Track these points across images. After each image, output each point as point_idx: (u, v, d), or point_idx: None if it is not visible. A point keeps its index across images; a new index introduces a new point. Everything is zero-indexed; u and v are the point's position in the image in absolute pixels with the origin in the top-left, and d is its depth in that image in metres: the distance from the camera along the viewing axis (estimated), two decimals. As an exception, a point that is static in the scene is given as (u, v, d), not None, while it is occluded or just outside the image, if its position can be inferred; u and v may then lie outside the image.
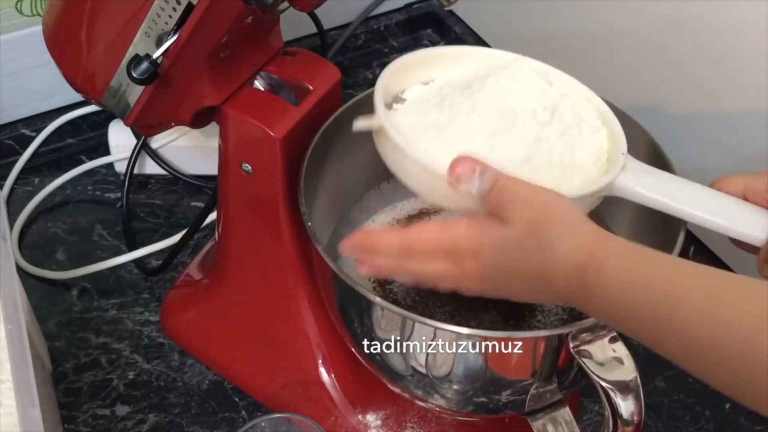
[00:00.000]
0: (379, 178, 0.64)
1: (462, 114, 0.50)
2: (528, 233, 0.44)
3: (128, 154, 0.80)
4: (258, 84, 0.59)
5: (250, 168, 0.58)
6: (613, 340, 0.48)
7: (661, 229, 0.55)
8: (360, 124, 0.51)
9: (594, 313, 0.44)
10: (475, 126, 0.50)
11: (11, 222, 0.79)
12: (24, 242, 0.79)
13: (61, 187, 0.84)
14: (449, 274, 0.47)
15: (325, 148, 0.59)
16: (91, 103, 0.63)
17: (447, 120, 0.51)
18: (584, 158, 0.51)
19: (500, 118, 0.50)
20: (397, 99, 0.55)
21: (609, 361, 0.47)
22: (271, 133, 0.55)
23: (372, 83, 0.54)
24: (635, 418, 0.47)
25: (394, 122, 0.51)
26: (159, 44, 0.51)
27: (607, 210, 0.58)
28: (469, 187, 0.46)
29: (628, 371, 0.47)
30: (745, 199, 0.49)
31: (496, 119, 0.50)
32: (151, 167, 0.82)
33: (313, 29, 0.79)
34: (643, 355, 0.72)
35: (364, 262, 0.49)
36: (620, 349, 0.48)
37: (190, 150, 0.82)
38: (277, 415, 0.55)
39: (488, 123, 0.50)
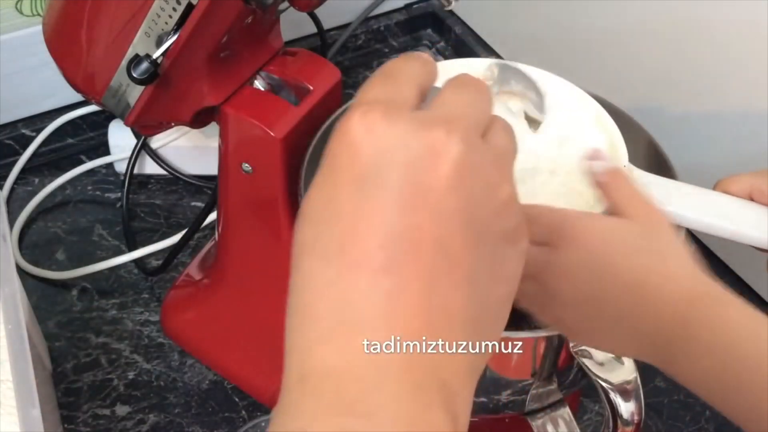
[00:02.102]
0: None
1: None
2: (643, 230, 0.39)
3: (128, 154, 0.80)
4: (258, 84, 0.59)
5: (250, 168, 0.58)
6: (613, 340, 0.48)
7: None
8: None
9: (685, 360, 0.38)
10: None
11: (11, 222, 0.79)
12: (24, 242, 0.79)
13: (61, 187, 0.84)
14: (536, 260, 0.40)
15: (325, 148, 0.59)
16: (91, 103, 0.63)
17: None
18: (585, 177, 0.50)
19: None
20: None
21: (609, 361, 0.47)
22: (271, 133, 0.55)
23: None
24: (635, 418, 0.47)
25: None
26: (159, 44, 0.51)
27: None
28: (598, 164, 0.43)
29: (628, 371, 0.47)
30: (751, 199, 0.48)
31: None
32: (151, 167, 0.82)
33: (313, 29, 0.79)
34: (643, 355, 0.72)
35: None
36: (620, 349, 0.48)
37: (190, 150, 0.82)
38: (277, 415, 0.55)
39: None
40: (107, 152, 0.84)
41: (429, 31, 1.03)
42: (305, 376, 0.29)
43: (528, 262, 0.39)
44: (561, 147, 0.51)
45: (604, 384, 0.46)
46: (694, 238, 0.73)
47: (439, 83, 0.53)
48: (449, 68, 0.56)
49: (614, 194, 0.42)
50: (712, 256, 0.72)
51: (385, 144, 0.28)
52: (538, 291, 0.41)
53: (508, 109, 0.53)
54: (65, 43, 0.56)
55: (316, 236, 0.30)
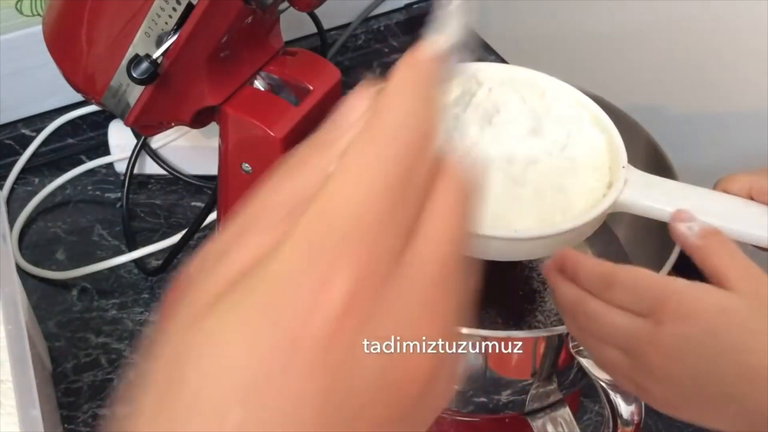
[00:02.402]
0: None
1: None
2: (756, 309, 0.37)
3: (128, 154, 0.80)
4: (258, 84, 0.59)
5: (250, 168, 0.58)
6: (613, 340, 0.48)
7: (661, 229, 0.55)
8: None
9: None
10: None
11: (11, 222, 0.79)
12: (24, 242, 0.79)
13: (61, 187, 0.84)
14: (635, 333, 0.38)
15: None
16: (91, 103, 0.63)
17: None
18: (585, 177, 0.51)
19: (489, 147, 0.50)
20: None
21: (609, 361, 0.47)
22: (271, 133, 0.55)
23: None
24: (635, 418, 0.47)
25: None
26: (159, 44, 0.51)
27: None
28: (690, 225, 0.42)
29: (628, 371, 0.47)
30: (751, 198, 0.48)
31: (485, 152, 0.50)
32: (151, 167, 0.82)
33: (313, 29, 0.79)
34: (643, 355, 0.72)
35: (552, 287, 0.44)
36: (620, 349, 0.48)
37: (190, 150, 0.82)
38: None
39: (479, 157, 0.50)
40: (107, 152, 0.84)
41: (429, 31, 1.03)
42: None
43: (624, 333, 0.38)
44: (561, 149, 0.51)
45: (604, 384, 0.46)
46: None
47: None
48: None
49: (714, 260, 0.40)
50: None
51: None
52: (630, 364, 0.40)
53: (519, 76, 0.53)
54: (65, 43, 0.56)
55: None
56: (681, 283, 0.39)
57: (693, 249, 0.41)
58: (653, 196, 0.49)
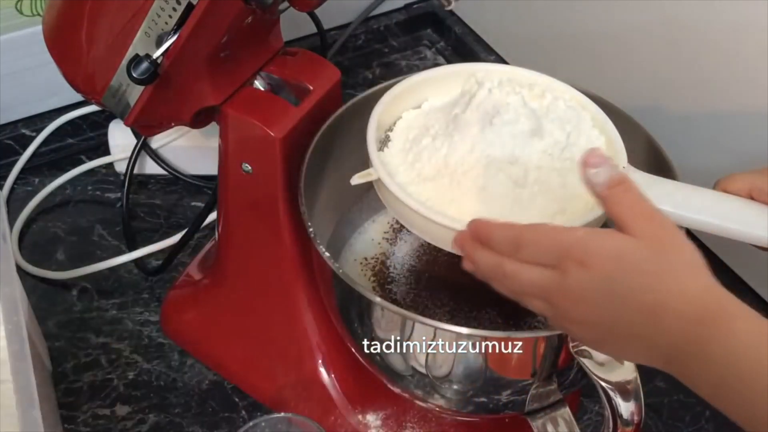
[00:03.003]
0: (379, 178, 0.64)
1: (454, 152, 0.50)
2: (652, 251, 0.39)
3: (128, 154, 0.80)
4: (258, 84, 0.59)
5: (250, 168, 0.58)
6: (613, 340, 0.48)
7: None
8: (357, 180, 0.51)
9: (697, 374, 0.38)
10: (469, 161, 0.50)
11: (11, 222, 0.79)
12: (24, 242, 0.79)
13: (61, 187, 0.84)
14: (546, 284, 0.41)
15: (325, 148, 0.59)
16: (91, 103, 0.63)
17: (441, 161, 0.51)
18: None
19: (489, 148, 0.50)
20: (391, 128, 0.55)
21: (609, 361, 0.47)
22: (271, 133, 0.55)
23: (372, 83, 0.54)
24: (635, 418, 0.47)
25: (389, 168, 0.51)
26: (159, 44, 0.51)
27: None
28: (596, 173, 0.42)
29: (628, 371, 0.47)
30: (751, 198, 0.48)
31: (486, 153, 0.50)
32: (151, 167, 0.82)
33: (313, 29, 0.79)
34: (643, 355, 0.72)
35: (469, 256, 0.46)
36: (620, 349, 0.48)
37: (190, 150, 0.82)
38: (277, 415, 0.55)
39: (480, 158, 0.50)
40: (107, 152, 0.84)
41: (429, 31, 1.03)
42: None
43: (539, 286, 0.41)
44: (561, 150, 0.51)
45: (604, 384, 0.46)
46: (694, 238, 0.73)
47: (456, 87, 0.55)
48: (463, 71, 0.56)
49: (616, 208, 0.41)
50: (712, 256, 0.72)
51: None
52: (550, 310, 0.43)
53: (520, 79, 0.53)
54: (65, 43, 0.56)
55: None
56: (582, 231, 0.42)
57: (599, 197, 0.42)
58: (653, 196, 0.48)
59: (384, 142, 0.54)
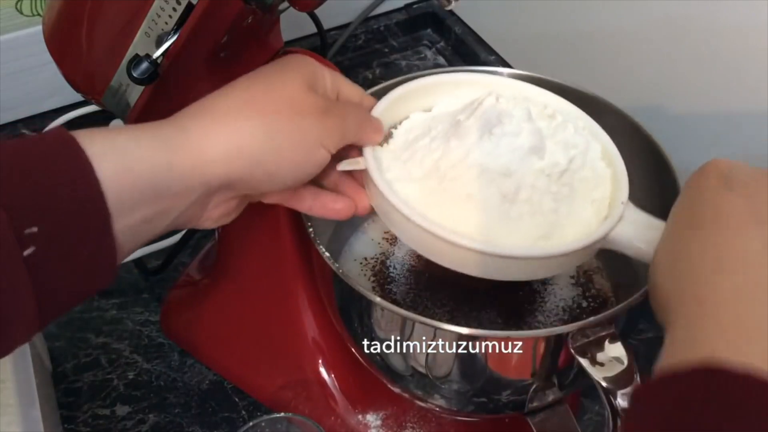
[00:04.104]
0: (379, 178, 0.64)
1: (448, 156, 0.49)
2: None
3: (128, 154, 0.80)
4: (258, 84, 0.59)
5: (250, 168, 0.58)
6: (613, 340, 0.48)
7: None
8: (344, 166, 0.50)
9: None
10: (461, 168, 0.48)
11: (11, 222, 0.78)
12: (24, 242, 0.79)
13: (61, 187, 0.84)
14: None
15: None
16: (91, 103, 0.63)
17: (433, 164, 0.49)
18: (581, 206, 0.49)
19: (484, 157, 0.48)
20: (396, 126, 0.54)
21: (609, 361, 0.47)
22: (271, 133, 0.55)
23: (372, 83, 0.54)
24: (635, 418, 0.47)
25: (381, 163, 0.50)
26: (159, 44, 0.51)
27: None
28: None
29: (628, 371, 0.47)
30: None
31: (480, 161, 0.48)
32: (151, 167, 0.82)
33: (313, 29, 0.79)
34: (643, 355, 0.72)
35: None
36: (620, 349, 0.48)
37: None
38: (277, 415, 0.55)
39: (473, 165, 0.48)
40: (107, 152, 0.84)
41: (429, 31, 1.03)
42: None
43: None
44: (560, 174, 0.49)
45: (604, 384, 0.46)
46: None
47: (467, 95, 0.54)
48: (475, 82, 0.55)
49: None
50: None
51: None
52: None
53: (529, 114, 0.51)
54: (65, 43, 0.56)
55: None
56: None
57: None
58: (647, 239, 0.46)
59: (386, 138, 0.53)
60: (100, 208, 0.38)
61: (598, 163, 0.51)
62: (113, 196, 0.38)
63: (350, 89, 0.51)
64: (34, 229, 0.36)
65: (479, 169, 0.48)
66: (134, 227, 0.40)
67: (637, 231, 0.47)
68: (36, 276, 0.36)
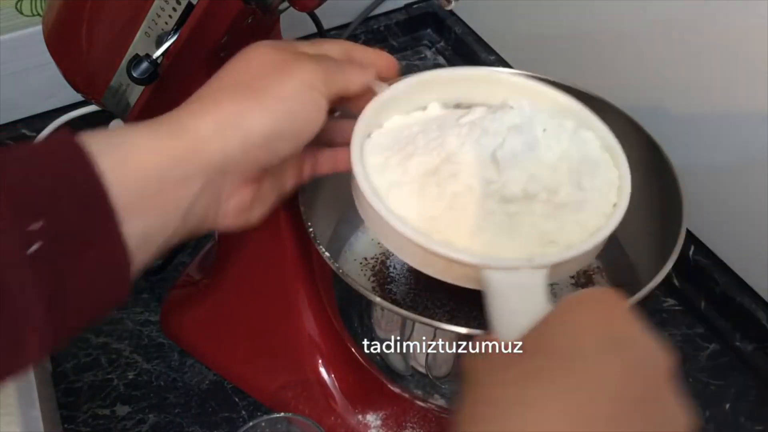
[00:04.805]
0: (379, 178, 0.64)
1: (440, 170, 0.47)
2: None
3: (128, 154, 0.80)
4: (258, 84, 0.58)
5: (250, 168, 0.58)
6: (613, 340, 0.48)
7: (661, 229, 0.55)
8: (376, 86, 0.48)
9: None
10: (457, 176, 0.46)
11: (11, 222, 0.78)
12: (24, 242, 0.79)
13: (61, 187, 0.84)
14: None
15: (325, 148, 0.58)
16: (91, 103, 0.63)
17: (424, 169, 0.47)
18: (590, 213, 0.46)
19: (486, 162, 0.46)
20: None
21: (609, 361, 0.47)
22: (271, 133, 0.55)
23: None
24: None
25: (368, 166, 0.48)
26: (159, 44, 0.51)
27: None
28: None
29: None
30: None
31: (479, 166, 0.46)
32: (151, 167, 0.82)
33: (313, 29, 0.79)
34: (643, 355, 0.72)
35: None
36: (620, 349, 0.47)
37: (190, 150, 0.82)
38: (277, 415, 0.55)
39: (473, 172, 0.46)
40: (107, 152, 0.84)
41: (429, 31, 1.03)
42: None
43: None
44: (569, 174, 0.47)
45: (604, 384, 0.46)
46: (694, 239, 0.73)
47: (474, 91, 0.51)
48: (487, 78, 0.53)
49: None
50: (712, 256, 0.72)
51: None
52: None
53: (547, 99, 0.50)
54: (65, 43, 0.56)
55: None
56: None
57: None
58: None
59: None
60: (103, 201, 0.37)
61: (608, 168, 0.49)
62: (116, 189, 0.38)
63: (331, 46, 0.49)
64: (39, 225, 0.35)
65: (475, 173, 0.46)
66: (144, 229, 0.39)
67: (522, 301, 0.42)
68: (42, 274, 0.35)
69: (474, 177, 0.46)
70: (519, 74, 0.55)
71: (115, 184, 0.38)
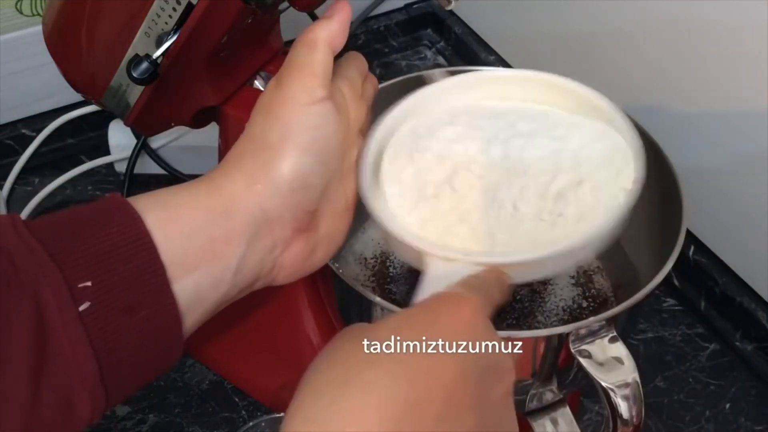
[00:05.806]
0: (379, 178, 0.64)
1: (448, 163, 0.48)
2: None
3: (128, 154, 0.80)
4: (258, 84, 0.59)
5: (250, 168, 0.58)
6: (613, 340, 0.48)
7: (661, 229, 0.55)
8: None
9: None
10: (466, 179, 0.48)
11: (11, 222, 0.78)
12: (24, 242, 0.79)
13: (61, 187, 0.84)
14: None
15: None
16: (91, 103, 0.63)
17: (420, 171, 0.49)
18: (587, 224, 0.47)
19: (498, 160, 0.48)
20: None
21: (609, 361, 0.47)
22: (271, 133, 0.55)
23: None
24: (635, 418, 0.47)
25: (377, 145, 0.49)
26: (159, 44, 0.51)
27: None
28: None
29: (628, 371, 0.47)
30: None
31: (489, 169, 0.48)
32: (151, 167, 0.82)
33: (313, 29, 0.79)
34: (643, 355, 0.72)
35: None
36: (620, 349, 0.48)
37: (190, 150, 0.82)
38: (277, 415, 0.55)
39: (478, 160, 0.48)
40: (107, 152, 0.84)
41: (429, 31, 1.03)
42: None
43: None
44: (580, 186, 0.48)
45: (604, 384, 0.46)
46: (694, 239, 0.73)
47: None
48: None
49: None
50: (712, 255, 0.72)
51: None
52: None
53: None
54: (65, 43, 0.56)
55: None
56: None
57: None
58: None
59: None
60: (154, 257, 0.37)
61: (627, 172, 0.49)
62: (163, 245, 0.38)
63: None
64: (88, 283, 0.35)
65: (484, 175, 0.48)
66: (195, 287, 0.39)
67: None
68: (93, 333, 0.35)
69: (483, 179, 0.47)
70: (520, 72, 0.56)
71: (163, 242, 0.38)
